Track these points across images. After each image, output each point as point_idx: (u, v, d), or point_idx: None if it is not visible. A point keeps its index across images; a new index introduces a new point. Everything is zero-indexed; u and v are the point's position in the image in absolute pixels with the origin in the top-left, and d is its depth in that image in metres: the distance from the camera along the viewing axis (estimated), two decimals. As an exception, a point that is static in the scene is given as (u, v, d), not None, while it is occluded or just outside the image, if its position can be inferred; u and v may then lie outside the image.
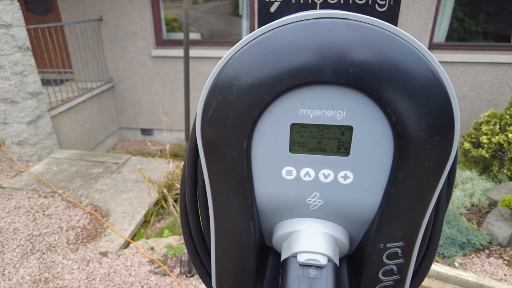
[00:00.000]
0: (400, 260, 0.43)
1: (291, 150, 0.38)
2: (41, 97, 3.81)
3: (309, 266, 0.40)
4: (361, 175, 0.38)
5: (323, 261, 0.40)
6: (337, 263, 0.42)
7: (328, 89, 0.35)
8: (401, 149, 0.35)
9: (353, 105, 0.35)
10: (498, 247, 2.64)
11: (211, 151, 0.39)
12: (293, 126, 0.37)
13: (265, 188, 0.41)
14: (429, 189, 0.38)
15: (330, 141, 0.37)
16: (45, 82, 4.00)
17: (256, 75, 0.35)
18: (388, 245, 0.41)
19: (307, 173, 0.39)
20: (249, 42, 0.35)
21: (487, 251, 2.61)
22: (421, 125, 0.34)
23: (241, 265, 0.46)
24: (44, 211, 2.94)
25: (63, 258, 2.45)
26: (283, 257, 0.43)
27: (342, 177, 0.39)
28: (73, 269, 2.37)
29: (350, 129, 0.36)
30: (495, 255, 2.57)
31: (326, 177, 0.39)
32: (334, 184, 0.39)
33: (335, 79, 0.33)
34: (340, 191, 0.39)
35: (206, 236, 0.50)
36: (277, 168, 0.39)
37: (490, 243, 2.65)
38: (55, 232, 2.70)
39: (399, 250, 0.42)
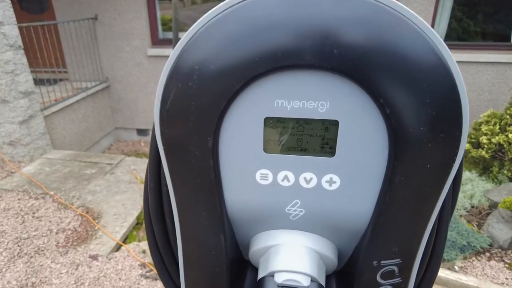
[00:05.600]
0: (397, 280, 0.36)
1: (265, 150, 0.32)
2: (34, 97, 3.74)
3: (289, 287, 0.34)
4: (349, 180, 0.32)
5: (305, 282, 0.33)
6: (323, 283, 0.36)
7: (308, 75, 0.28)
8: (398, 148, 0.29)
9: (339, 95, 0.29)
10: (499, 250, 2.59)
11: (172, 151, 0.33)
12: (267, 120, 0.31)
13: (236, 195, 0.34)
14: (432, 196, 0.32)
15: (312, 138, 0.31)
16: (38, 82, 3.93)
17: (221, 58, 0.28)
18: (383, 262, 0.35)
19: (286, 177, 0.33)
20: (212, 18, 0.29)
21: (487, 254, 2.55)
22: (422, 118, 0.27)
23: (213, 283, 0.39)
24: (34, 213, 2.87)
25: (51, 262, 2.38)
26: (259, 276, 0.37)
27: (326, 181, 0.32)
28: (61, 273, 2.30)
29: (335, 124, 0.30)
30: (496, 258, 2.51)
31: (308, 182, 0.33)
32: (317, 190, 0.33)
33: (316, 62, 0.27)
34: (324, 198, 0.33)
35: (174, 248, 0.43)
36: (250, 171, 0.33)
37: (490, 245, 2.60)
38: (44, 234, 2.63)
39: (395, 268, 0.35)
